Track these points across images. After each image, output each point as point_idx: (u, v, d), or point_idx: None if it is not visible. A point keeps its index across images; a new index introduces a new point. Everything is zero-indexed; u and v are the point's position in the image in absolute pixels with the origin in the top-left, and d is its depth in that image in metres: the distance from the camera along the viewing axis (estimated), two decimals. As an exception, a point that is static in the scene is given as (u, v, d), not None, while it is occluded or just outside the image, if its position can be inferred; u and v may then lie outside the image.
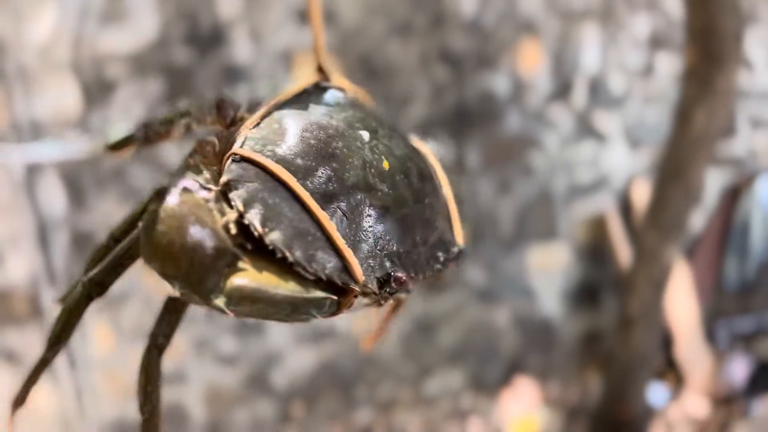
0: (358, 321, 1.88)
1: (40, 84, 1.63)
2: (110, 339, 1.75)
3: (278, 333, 1.83)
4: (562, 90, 1.88)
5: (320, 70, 0.39)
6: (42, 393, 1.73)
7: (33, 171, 1.65)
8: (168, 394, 1.80)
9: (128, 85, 1.66)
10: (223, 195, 0.40)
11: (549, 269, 1.95)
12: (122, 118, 1.67)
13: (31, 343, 1.71)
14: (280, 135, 0.44)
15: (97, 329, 1.74)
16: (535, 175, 1.91)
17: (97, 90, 1.65)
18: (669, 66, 1.94)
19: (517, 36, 1.84)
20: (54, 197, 1.68)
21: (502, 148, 1.85)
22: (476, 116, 1.82)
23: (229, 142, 0.44)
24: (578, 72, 1.89)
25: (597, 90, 1.91)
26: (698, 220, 1.95)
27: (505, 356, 1.97)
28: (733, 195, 1.98)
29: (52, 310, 1.61)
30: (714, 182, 1.97)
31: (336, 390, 1.89)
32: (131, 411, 1.80)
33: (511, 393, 1.89)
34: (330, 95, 0.50)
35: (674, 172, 1.49)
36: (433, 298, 1.90)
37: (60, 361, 1.71)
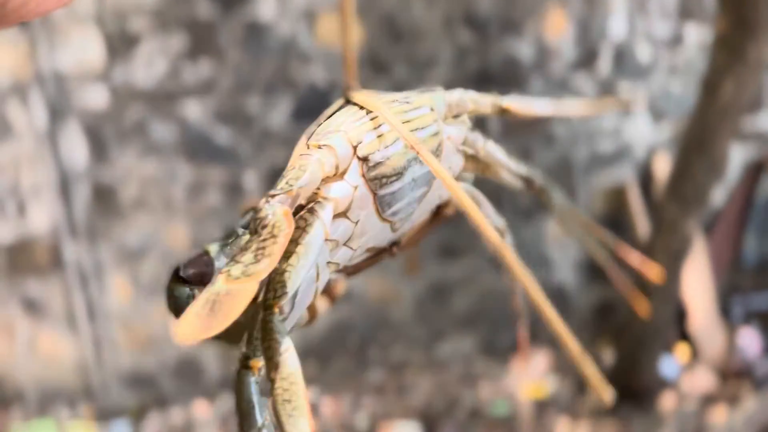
0: (373, 284, 1.89)
1: (64, 36, 1.63)
2: (128, 292, 1.78)
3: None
4: (587, 58, 1.86)
5: (347, 89, 0.39)
6: (62, 342, 1.77)
7: (56, 123, 1.67)
8: (184, 349, 1.83)
9: (151, 39, 1.66)
10: None
11: (566, 239, 1.95)
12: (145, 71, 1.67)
13: (52, 293, 1.74)
14: None
15: (115, 282, 1.77)
16: (557, 144, 1.89)
17: (120, 43, 1.65)
18: (697, 37, 1.91)
19: (544, 1, 1.81)
20: (76, 149, 1.69)
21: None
22: (499, 82, 1.81)
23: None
24: (604, 40, 1.86)
25: (622, 59, 1.89)
26: (720, 194, 1.94)
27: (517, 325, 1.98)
28: (757, 170, 1.96)
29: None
30: (738, 157, 1.95)
31: (349, 350, 1.92)
32: (147, 362, 1.86)
33: (522, 359, 1.91)
34: None
35: (698, 144, 1.47)
36: (448, 263, 1.91)
37: (79, 312, 1.74)
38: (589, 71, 1.87)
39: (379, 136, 0.36)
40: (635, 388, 1.71)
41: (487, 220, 0.41)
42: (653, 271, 0.50)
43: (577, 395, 1.79)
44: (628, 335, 1.71)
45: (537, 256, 1.95)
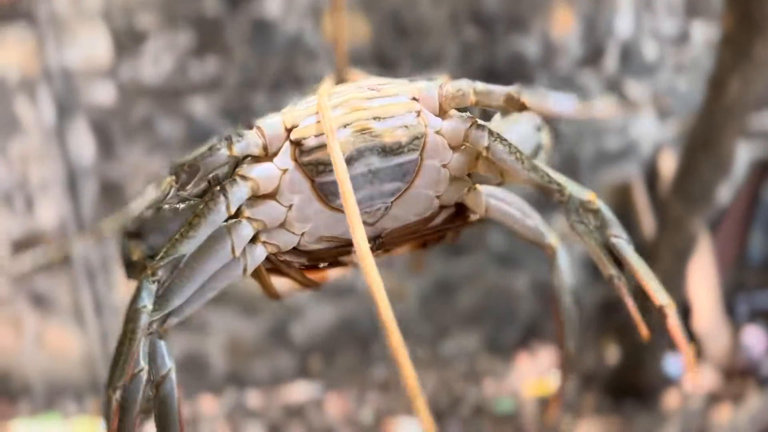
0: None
1: (72, 32, 1.64)
2: (133, 287, 1.78)
3: (299, 288, 1.86)
4: (593, 55, 1.86)
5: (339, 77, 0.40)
6: (69, 337, 1.78)
7: (63, 119, 1.67)
8: (190, 344, 1.84)
9: (158, 35, 1.67)
10: None
11: (570, 236, 1.95)
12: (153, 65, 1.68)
13: (60, 288, 1.76)
14: None
15: (122, 277, 1.77)
16: (562, 141, 1.89)
17: (127, 40, 1.66)
18: (704, 34, 1.90)
19: (550, -2, 1.81)
20: (84, 145, 1.70)
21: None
22: (505, 79, 1.80)
23: None
24: (610, 37, 1.86)
25: (629, 57, 1.88)
26: (725, 192, 1.93)
27: (522, 320, 1.98)
28: (763, 169, 1.95)
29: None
30: (744, 155, 1.94)
31: (354, 346, 1.92)
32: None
33: (526, 357, 1.91)
34: None
35: (704, 142, 1.47)
36: (453, 260, 1.91)
37: (87, 307, 1.75)
38: (595, 69, 1.87)
39: (319, 122, 0.35)
40: (639, 386, 1.71)
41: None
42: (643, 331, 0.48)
43: (582, 393, 1.79)
44: (632, 333, 1.70)
45: (541, 253, 1.95)
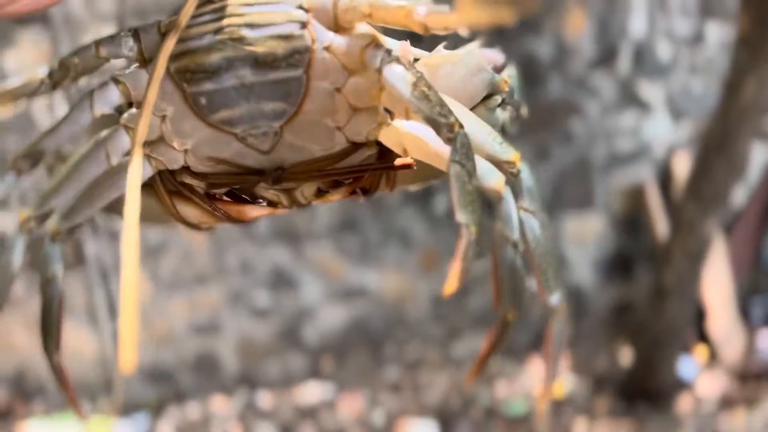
0: (390, 281, 1.90)
1: (86, 34, 1.65)
2: (148, 288, 1.80)
3: (311, 289, 1.86)
4: (606, 56, 1.85)
5: None
6: (83, 337, 1.79)
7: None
8: (202, 345, 1.85)
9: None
10: None
11: (584, 238, 1.94)
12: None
13: (73, 288, 1.77)
14: None
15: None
16: (575, 142, 1.89)
17: (140, 42, 1.67)
18: (719, 35, 1.89)
19: (563, -1, 1.80)
20: (97, 147, 1.71)
21: (541, 113, 1.82)
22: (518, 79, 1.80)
23: None
24: (624, 38, 1.85)
25: (642, 57, 1.87)
26: (740, 194, 1.92)
27: (535, 323, 1.97)
28: (778, 170, 1.94)
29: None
30: (759, 156, 1.92)
31: (365, 347, 1.92)
32: (166, 357, 1.87)
33: (539, 359, 1.90)
34: None
35: (719, 144, 1.46)
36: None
37: (100, 307, 1.77)
38: (608, 69, 1.86)
39: (189, 27, 0.33)
40: (653, 389, 1.70)
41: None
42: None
43: (595, 395, 1.78)
44: (645, 336, 1.70)
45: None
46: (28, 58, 1.66)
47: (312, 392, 1.86)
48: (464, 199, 0.32)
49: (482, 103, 0.38)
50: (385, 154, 0.37)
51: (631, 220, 1.95)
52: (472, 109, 0.37)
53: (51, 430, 1.72)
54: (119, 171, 0.36)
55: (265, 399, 1.85)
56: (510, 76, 0.39)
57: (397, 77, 0.32)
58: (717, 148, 1.46)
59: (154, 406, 1.82)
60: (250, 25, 0.32)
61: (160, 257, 1.78)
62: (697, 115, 1.91)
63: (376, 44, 0.33)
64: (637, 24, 1.85)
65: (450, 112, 0.31)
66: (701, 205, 1.51)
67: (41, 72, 0.34)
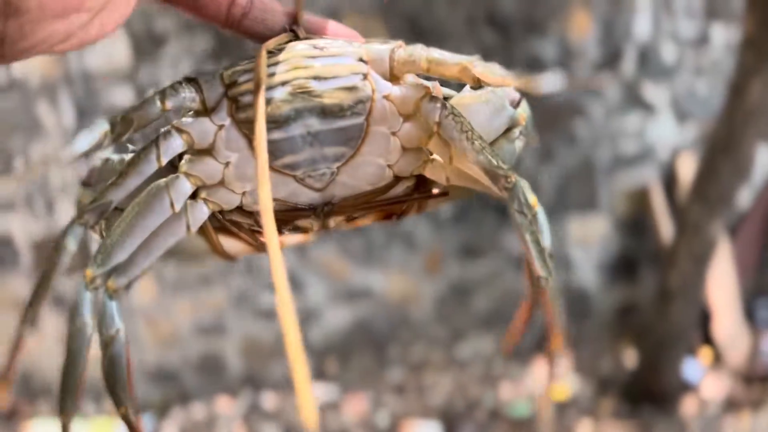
0: (394, 283, 1.90)
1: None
2: (152, 289, 1.80)
3: (315, 291, 1.86)
4: (610, 58, 1.85)
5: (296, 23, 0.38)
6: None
7: (84, 122, 1.69)
8: (207, 345, 1.85)
9: (177, 39, 1.68)
10: None
11: (588, 240, 1.94)
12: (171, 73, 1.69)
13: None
14: None
15: (140, 281, 1.79)
16: (579, 145, 1.88)
17: (146, 44, 1.68)
18: (724, 37, 1.88)
19: (567, 1, 1.80)
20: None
21: (546, 115, 1.82)
22: (522, 82, 1.80)
23: None
24: (628, 40, 1.85)
25: (647, 59, 1.87)
26: (745, 196, 1.91)
27: (539, 324, 1.97)
28: (783, 172, 1.93)
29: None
30: (764, 159, 1.92)
31: (369, 349, 1.93)
32: (170, 358, 1.87)
33: (543, 360, 1.90)
34: None
35: (724, 146, 1.46)
36: (469, 262, 1.91)
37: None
38: (613, 71, 1.86)
39: (250, 81, 0.34)
40: (657, 391, 1.69)
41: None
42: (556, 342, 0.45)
43: (599, 397, 1.78)
44: (650, 337, 1.70)
45: (559, 256, 1.94)
46: (35, 61, 1.67)
47: (316, 393, 1.86)
48: (537, 252, 0.37)
49: (503, 136, 0.41)
50: (420, 183, 0.40)
51: (636, 222, 1.95)
52: (494, 142, 0.40)
53: (56, 431, 1.72)
54: (179, 218, 0.38)
55: (269, 400, 1.85)
56: (525, 109, 0.42)
57: (456, 131, 0.35)
58: (722, 150, 1.46)
59: (159, 407, 1.83)
60: (317, 78, 0.34)
61: (165, 259, 1.79)
62: (702, 117, 1.90)
63: (431, 96, 0.36)
64: (641, 26, 1.85)
65: (504, 162, 0.35)
66: (706, 207, 1.51)
67: (102, 128, 0.35)
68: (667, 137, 1.92)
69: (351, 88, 0.35)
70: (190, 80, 0.36)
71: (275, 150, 0.35)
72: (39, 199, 1.73)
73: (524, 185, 0.36)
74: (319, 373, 1.90)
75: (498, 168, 0.35)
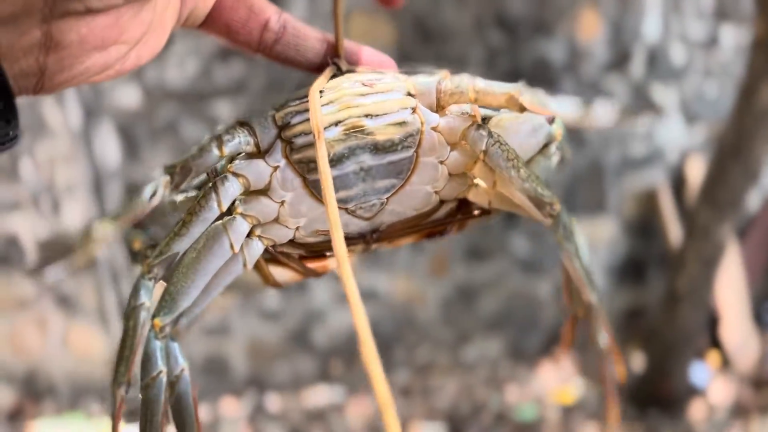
0: (400, 285, 1.89)
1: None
2: (157, 290, 1.80)
3: (321, 292, 1.86)
4: (619, 60, 1.83)
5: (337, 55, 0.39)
6: (94, 338, 1.80)
7: (90, 122, 1.69)
8: (212, 346, 1.85)
9: (183, 39, 1.68)
10: None
11: (596, 242, 1.93)
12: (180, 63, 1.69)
13: (84, 289, 1.77)
14: None
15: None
16: (587, 147, 1.87)
17: (153, 44, 1.67)
18: (733, 39, 1.87)
19: (576, 2, 1.79)
20: (109, 148, 1.72)
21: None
22: (530, 83, 1.79)
23: None
24: (637, 41, 1.83)
25: (656, 61, 1.86)
26: (754, 199, 1.90)
27: (545, 327, 1.96)
28: (793, 175, 1.92)
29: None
30: (773, 161, 1.91)
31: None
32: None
33: (549, 363, 1.89)
34: None
35: (734, 149, 1.45)
36: (475, 265, 1.90)
37: (111, 308, 1.77)
38: (621, 73, 1.84)
39: (307, 121, 0.35)
40: (664, 394, 1.68)
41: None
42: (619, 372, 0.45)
43: (605, 400, 1.77)
44: (658, 341, 1.69)
45: (566, 259, 1.93)
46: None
47: (321, 395, 1.86)
48: (586, 278, 0.38)
49: (540, 152, 0.42)
50: (462, 204, 0.41)
51: (644, 224, 1.94)
52: (532, 158, 0.41)
53: (61, 430, 1.72)
54: (236, 257, 0.38)
55: (274, 402, 1.85)
56: (559, 125, 0.42)
57: (502, 159, 0.36)
58: (732, 152, 1.45)
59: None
60: (369, 115, 0.35)
61: (171, 259, 1.78)
62: (711, 120, 1.89)
63: (477, 125, 0.37)
64: (651, 27, 1.83)
65: (548, 189, 0.36)
66: (715, 210, 1.50)
67: (164, 179, 0.35)
68: (675, 139, 1.91)
69: (401, 123, 0.36)
70: (243, 124, 0.36)
71: None
72: (45, 199, 1.73)
73: (567, 216, 0.37)
74: (323, 375, 1.89)
75: (543, 195, 0.36)
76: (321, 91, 0.36)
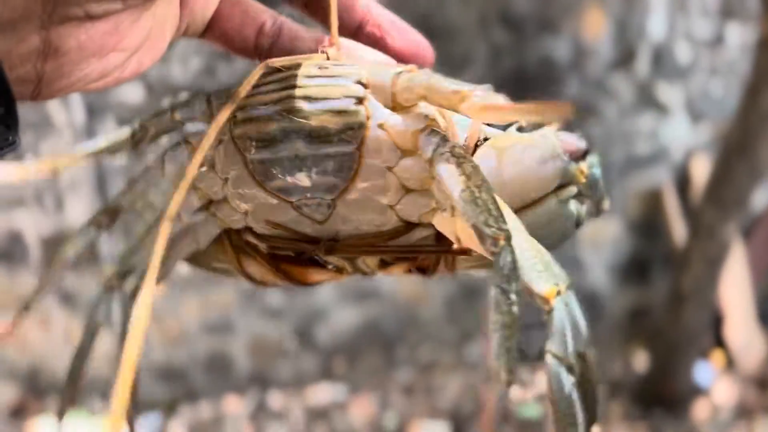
0: (403, 283, 1.89)
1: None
2: (160, 287, 1.80)
3: (324, 290, 1.86)
4: (624, 58, 1.83)
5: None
6: (97, 336, 1.80)
7: (93, 119, 1.69)
8: (214, 344, 1.85)
9: (187, 38, 1.68)
10: None
11: (599, 242, 1.92)
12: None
13: (88, 286, 1.77)
14: None
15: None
16: (591, 145, 1.87)
17: (157, 41, 1.67)
18: (739, 37, 1.86)
19: (581, 0, 1.78)
20: (113, 145, 1.72)
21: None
22: (535, 81, 1.79)
23: None
24: (642, 40, 1.83)
25: (661, 59, 1.85)
26: (760, 198, 1.89)
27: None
28: (799, 175, 1.91)
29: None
30: (779, 160, 1.90)
31: (378, 349, 1.92)
32: (178, 356, 1.87)
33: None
34: None
35: (739, 147, 1.44)
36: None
37: (114, 308, 1.77)
38: (626, 71, 1.84)
39: (254, 95, 0.33)
40: (668, 394, 1.68)
41: None
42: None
43: (609, 400, 1.76)
44: (662, 340, 1.68)
45: (569, 258, 1.93)
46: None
47: (324, 393, 1.86)
48: (502, 339, 0.29)
49: (554, 194, 0.35)
50: (443, 237, 0.35)
51: (648, 223, 1.93)
52: (541, 199, 0.35)
53: (63, 428, 1.72)
54: (193, 227, 0.39)
55: (276, 399, 1.85)
56: (591, 164, 0.36)
57: (448, 172, 0.30)
58: (737, 151, 1.44)
59: (167, 406, 1.82)
60: (308, 98, 0.32)
61: (174, 256, 1.78)
62: (717, 118, 1.88)
63: (432, 129, 0.32)
64: (656, 25, 1.83)
65: (499, 220, 0.28)
66: (721, 209, 1.49)
67: (124, 133, 0.38)
68: (680, 138, 1.90)
69: (340, 112, 0.32)
70: (205, 95, 0.36)
71: (266, 171, 0.34)
72: (49, 196, 1.73)
73: (514, 259, 0.29)
74: (326, 373, 1.89)
75: (486, 225, 0.28)
76: (280, 69, 0.33)
